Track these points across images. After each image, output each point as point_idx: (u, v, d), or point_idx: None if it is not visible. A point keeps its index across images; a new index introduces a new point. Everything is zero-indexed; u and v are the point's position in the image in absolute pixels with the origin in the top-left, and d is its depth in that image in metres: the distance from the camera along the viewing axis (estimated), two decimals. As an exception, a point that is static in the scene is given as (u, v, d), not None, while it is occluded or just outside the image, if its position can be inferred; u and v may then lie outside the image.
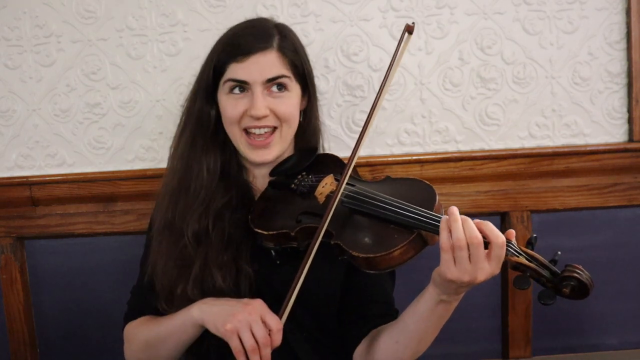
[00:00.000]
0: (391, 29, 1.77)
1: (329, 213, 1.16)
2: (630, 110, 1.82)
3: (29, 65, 1.81)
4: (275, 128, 1.37)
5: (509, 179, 1.82)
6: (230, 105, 1.36)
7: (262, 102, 1.33)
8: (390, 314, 1.32)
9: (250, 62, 1.32)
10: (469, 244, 1.04)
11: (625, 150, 1.80)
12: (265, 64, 1.33)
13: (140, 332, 1.39)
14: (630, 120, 1.82)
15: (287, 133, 1.39)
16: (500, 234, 1.05)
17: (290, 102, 1.37)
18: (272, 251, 1.31)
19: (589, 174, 1.82)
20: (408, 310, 1.19)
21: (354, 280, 1.33)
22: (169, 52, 1.79)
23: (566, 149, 1.81)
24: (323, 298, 1.35)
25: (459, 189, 1.82)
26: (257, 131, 1.35)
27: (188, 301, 1.29)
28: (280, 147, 1.39)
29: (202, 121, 1.40)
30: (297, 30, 1.75)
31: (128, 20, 1.77)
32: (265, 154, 1.37)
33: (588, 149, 1.80)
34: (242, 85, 1.34)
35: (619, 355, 1.90)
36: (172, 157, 1.44)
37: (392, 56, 1.29)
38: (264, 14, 1.76)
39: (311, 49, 1.77)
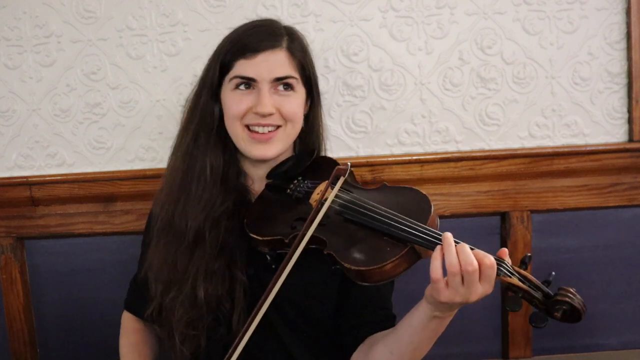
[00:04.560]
0: (391, 29, 1.77)
1: (310, 223, 1.15)
2: (630, 110, 1.82)
3: (29, 65, 1.81)
4: (279, 126, 1.35)
5: (509, 179, 1.82)
6: (235, 100, 1.34)
7: (268, 100, 1.32)
8: (387, 320, 1.32)
9: (259, 59, 1.32)
10: (464, 271, 1.02)
11: (625, 150, 1.80)
12: (274, 62, 1.32)
13: (124, 351, 1.51)
14: (630, 120, 1.82)
15: (291, 133, 1.38)
16: (487, 255, 1.03)
17: (295, 102, 1.36)
18: (267, 256, 1.31)
19: (589, 174, 1.82)
20: (402, 322, 1.19)
21: (350, 285, 1.31)
22: (169, 52, 1.79)
23: (566, 149, 1.81)
24: (318, 301, 1.34)
25: (459, 189, 1.82)
26: (260, 129, 1.34)
27: (177, 309, 1.31)
28: (281, 145, 1.37)
29: (206, 118, 1.38)
30: (297, 30, 1.76)
31: (128, 20, 1.77)
32: (265, 149, 1.35)
33: (588, 149, 1.80)
34: (249, 83, 1.33)
35: (619, 355, 1.90)
36: (174, 155, 1.43)
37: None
38: (264, 14, 1.76)
39: (311, 49, 1.77)
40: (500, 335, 1.91)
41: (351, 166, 1.28)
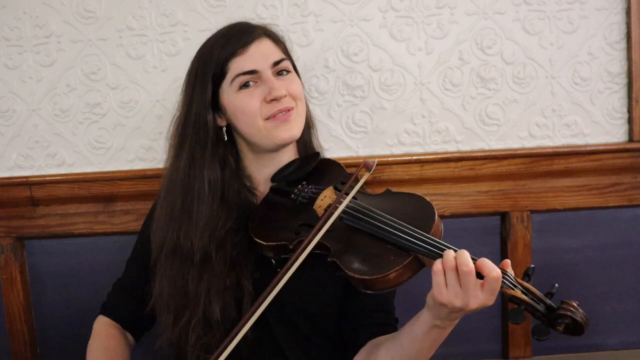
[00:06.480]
0: (391, 29, 1.77)
1: (316, 233, 1.15)
2: (630, 110, 1.82)
3: (29, 65, 1.81)
4: (291, 108, 1.37)
5: (509, 179, 1.82)
6: (246, 99, 1.35)
7: (278, 83, 1.35)
8: (389, 323, 1.32)
9: (251, 51, 1.35)
10: (459, 271, 1.03)
11: (625, 150, 1.80)
12: (266, 49, 1.37)
13: (93, 355, 1.47)
14: (630, 120, 1.82)
15: (302, 110, 1.41)
16: (494, 267, 1.03)
17: (297, 82, 1.41)
18: (273, 260, 1.31)
19: (589, 174, 1.82)
20: (404, 330, 1.19)
21: (354, 288, 1.32)
22: (169, 52, 1.79)
23: (566, 149, 1.81)
24: (321, 304, 1.34)
25: (459, 189, 1.82)
26: (279, 114, 1.35)
27: (190, 334, 1.31)
28: (299, 123, 1.39)
29: (199, 131, 1.37)
30: (297, 30, 1.77)
31: (128, 20, 1.78)
32: (289, 128, 1.36)
33: (588, 149, 1.80)
34: (252, 78, 1.34)
35: (619, 355, 1.90)
36: (170, 179, 1.40)
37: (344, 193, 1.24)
38: (264, 14, 1.76)
39: (311, 49, 1.78)
40: (500, 335, 1.91)
41: (350, 166, 1.28)
